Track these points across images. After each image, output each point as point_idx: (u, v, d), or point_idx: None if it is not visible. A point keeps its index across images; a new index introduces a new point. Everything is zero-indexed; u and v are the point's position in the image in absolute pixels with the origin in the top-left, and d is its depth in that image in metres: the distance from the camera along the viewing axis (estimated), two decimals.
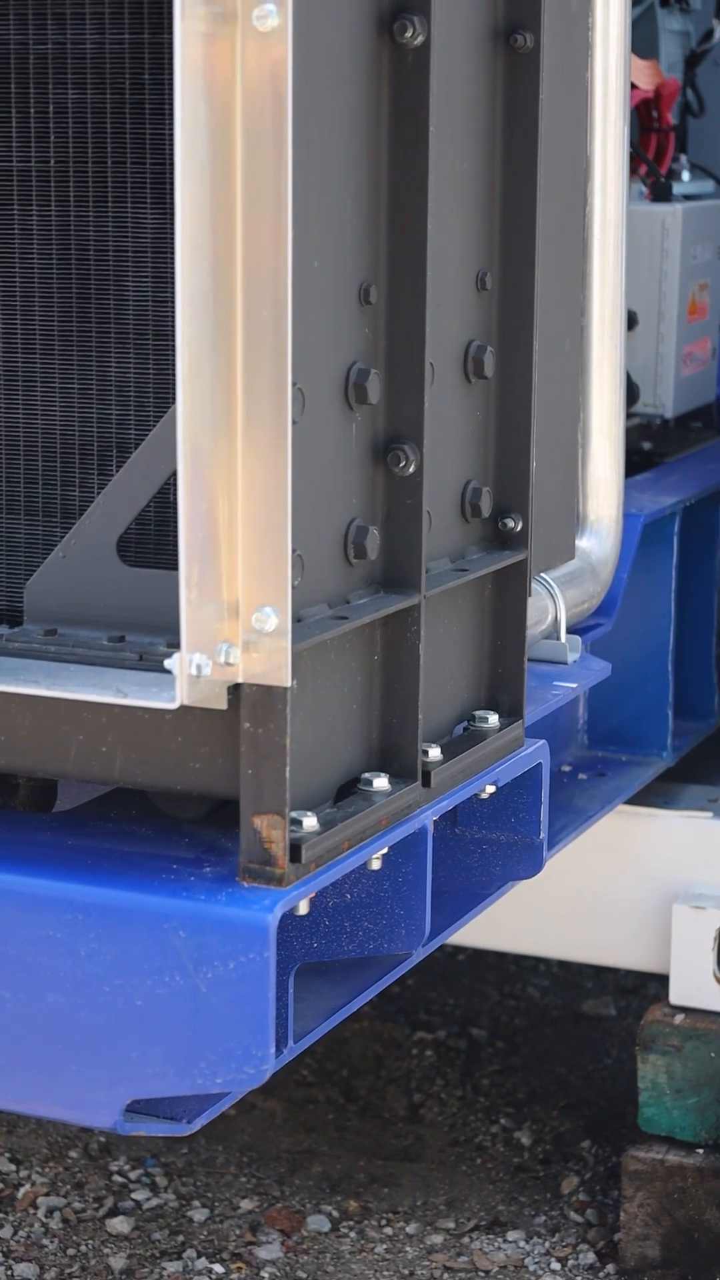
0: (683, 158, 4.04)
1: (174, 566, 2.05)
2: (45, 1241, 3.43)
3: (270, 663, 1.96)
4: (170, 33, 2.00)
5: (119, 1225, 3.47)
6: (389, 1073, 4.03)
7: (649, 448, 3.79)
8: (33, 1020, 2.05)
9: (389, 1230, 3.47)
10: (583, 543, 2.97)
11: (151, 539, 2.10)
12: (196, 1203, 3.55)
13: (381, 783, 2.18)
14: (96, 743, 2.08)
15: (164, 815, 2.23)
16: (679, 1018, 3.30)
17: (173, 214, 2.03)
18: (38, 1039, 2.06)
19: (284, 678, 1.96)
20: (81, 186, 2.07)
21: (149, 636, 2.07)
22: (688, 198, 3.83)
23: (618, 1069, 4.04)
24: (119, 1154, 3.69)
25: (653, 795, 3.41)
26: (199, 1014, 1.99)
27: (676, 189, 3.82)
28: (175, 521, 2.06)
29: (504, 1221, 3.49)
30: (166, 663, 1.92)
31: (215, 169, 1.87)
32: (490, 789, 2.43)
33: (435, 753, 2.30)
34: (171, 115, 2.01)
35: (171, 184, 2.04)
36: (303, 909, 2.10)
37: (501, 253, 2.42)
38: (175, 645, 2.03)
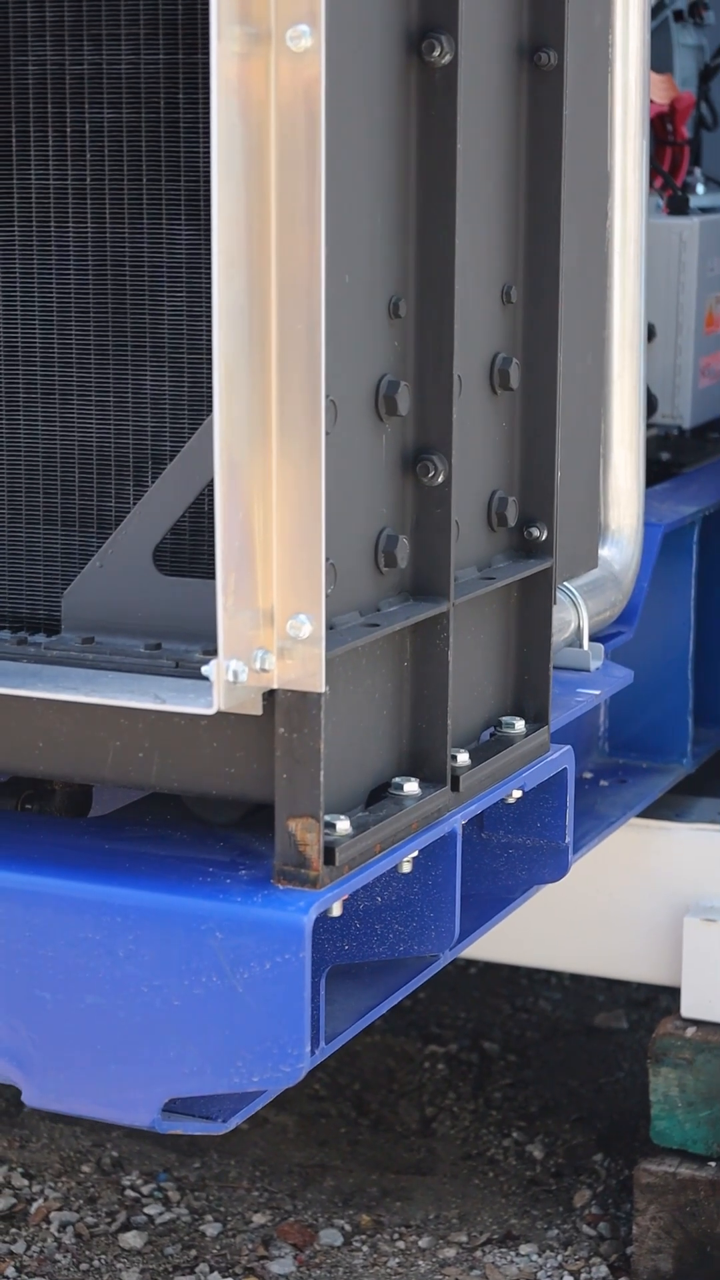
0: (697, 171, 4.08)
1: (208, 575, 2.10)
2: (58, 1257, 3.43)
3: (305, 669, 2.00)
4: (204, 53, 2.06)
5: (132, 1240, 3.46)
6: (401, 1086, 4.03)
7: (667, 458, 3.83)
8: (72, 1021, 2.09)
9: (401, 1244, 3.47)
10: (604, 552, 3.01)
11: (187, 548, 2.14)
12: (209, 1217, 3.54)
13: (412, 787, 2.22)
14: (133, 748, 2.12)
15: (198, 820, 2.27)
16: (691, 1031, 3.30)
17: (206, 230, 2.08)
18: (77, 1039, 2.10)
19: (318, 683, 2.00)
20: (117, 204, 2.12)
21: (185, 644, 2.12)
22: (704, 211, 3.87)
23: (630, 1082, 4.04)
24: (131, 1169, 3.69)
25: (664, 808, 3.42)
26: (236, 1014, 2.03)
27: (692, 202, 3.87)
28: (210, 531, 2.10)
29: (516, 1235, 3.49)
30: (204, 669, 1.96)
31: (250, 186, 1.92)
32: (517, 794, 2.47)
33: (464, 758, 2.34)
34: (206, 134, 2.06)
35: (205, 201, 2.08)
36: (336, 910, 2.13)
37: (526, 266, 2.46)
38: (211, 652, 2.07)
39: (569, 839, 2.57)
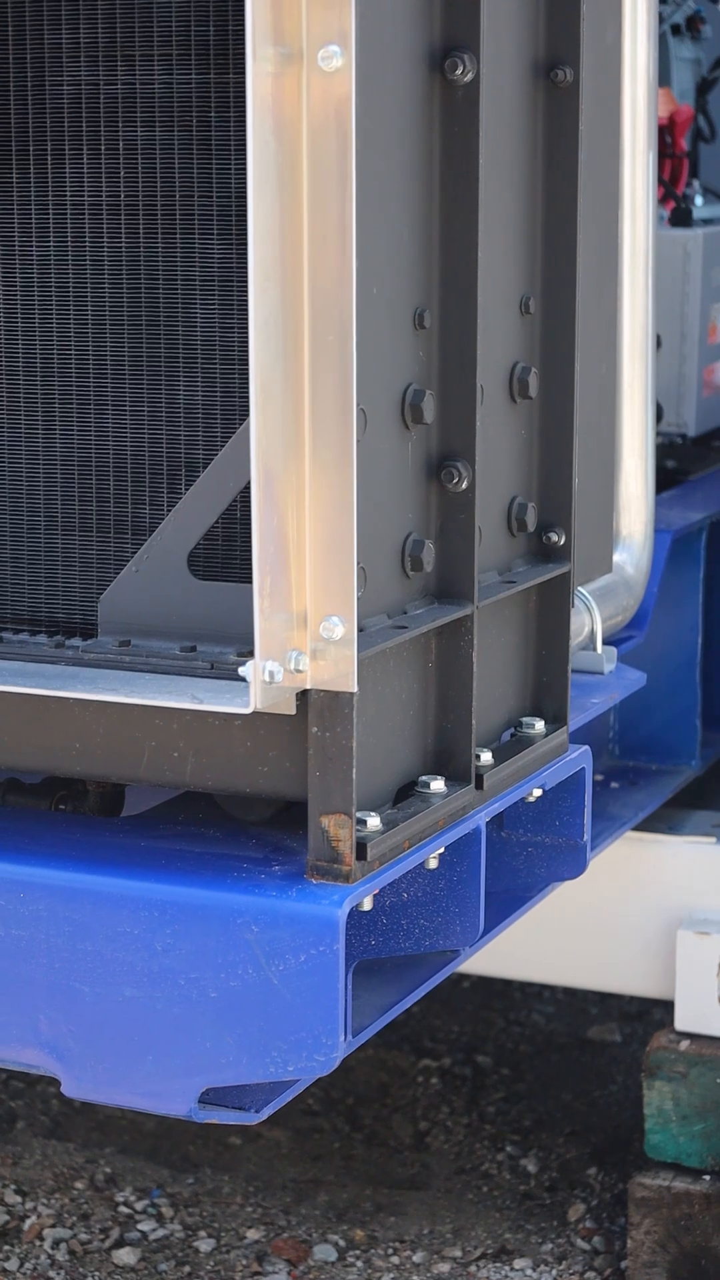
0: (695, 183, 4.15)
1: (241, 580, 2.16)
2: (52, 1274, 3.43)
3: (337, 670, 2.06)
4: (235, 73, 2.12)
5: (125, 1256, 3.46)
6: (394, 1101, 4.02)
7: (672, 466, 3.89)
8: (111, 1013, 2.15)
9: (395, 1259, 3.47)
10: (615, 557, 3.07)
11: (220, 553, 2.20)
12: (203, 1233, 3.54)
13: (438, 785, 2.29)
14: (168, 748, 2.18)
15: (230, 818, 2.33)
16: (684, 1044, 3.29)
17: (238, 245, 2.14)
18: (116, 1031, 2.15)
19: (350, 684, 2.06)
20: (151, 220, 2.18)
21: (219, 646, 2.18)
22: (705, 222, 3.93)
23: (623, 1095, 4.04)
24: (125, 1185, 3.69)
25: (658, 821, 3.43)
26: (271, 1005, 2.09)
27: (695, 214, 3.93)
28: (242, 537, 2.17)
29: (511, 1249, 3.49)
30: (240, 670, 2.02)
31: (283, 201, 1.98)
32: (537, 792, 2.53)
33: (487, 757, 2.40)
34: (237, 152, 2.13)
35: (236, 216, 2.15)
36: (367, 905, 2.19)
37: (543, 278, 2.52)
38: (245, 655, 2.14)
39: (587, 836, 2.63)
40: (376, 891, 2.17)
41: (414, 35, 2.18)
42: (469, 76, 2.23)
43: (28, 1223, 3.57)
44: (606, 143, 2.77)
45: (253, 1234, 3.54)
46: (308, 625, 2.05)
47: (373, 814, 2.16)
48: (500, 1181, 3.71)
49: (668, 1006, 3.39)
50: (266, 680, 2.02)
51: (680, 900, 3.37)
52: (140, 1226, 3.56)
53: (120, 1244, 3.51)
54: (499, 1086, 4.08)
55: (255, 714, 2.10)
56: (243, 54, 2.10)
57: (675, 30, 4.23)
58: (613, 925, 3.42)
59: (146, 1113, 2.22)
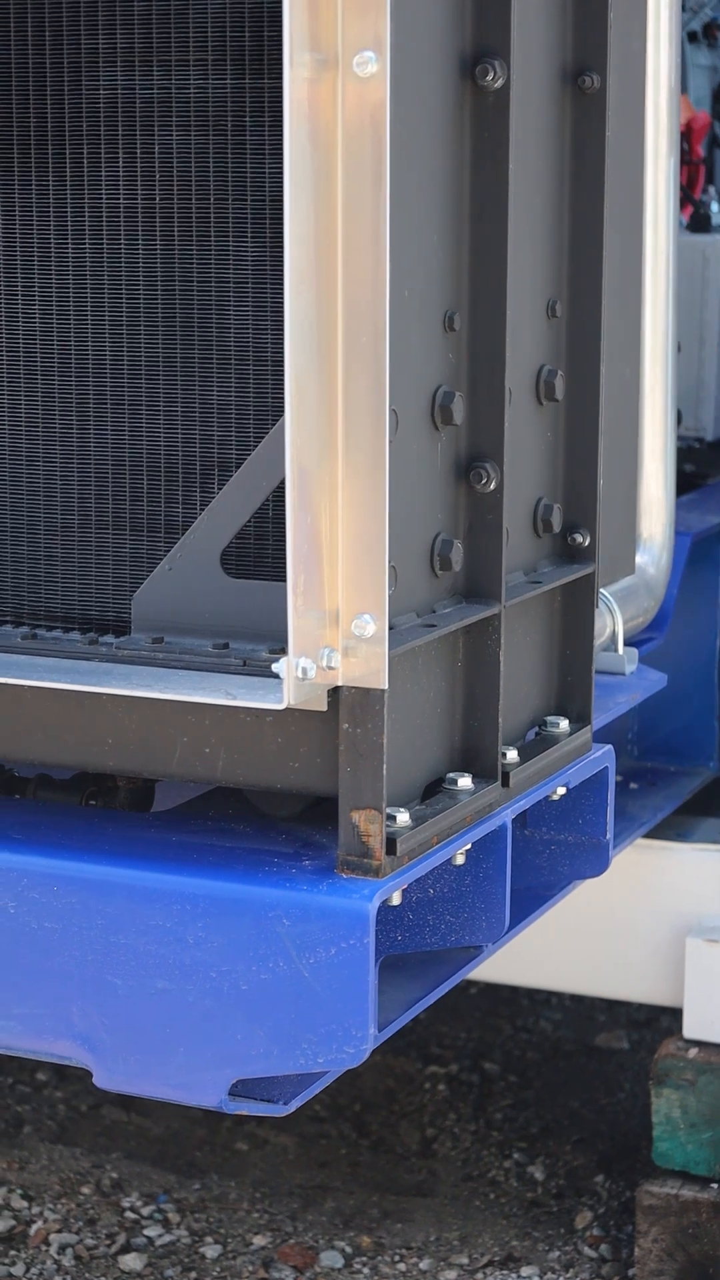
0: (711, 189, 4.18)
1: (273, 578, 2.19)
2: (58, 1278, 3.42)
3: (368, 667, 2.09)
4: (269, 78, 2.15)
5: (131, 1262, 3.45)
6: (401, 1107, 4.02)
7: (691, 470, 3.92)
8: (143, 1006, 2.18)
9: (402, 1266, 3.45)
10: (637, 559, 3.10)
11: (252, 552, 2.23)
12: (209, 1239, 3.54)
13: (465, 782, 2.31)
14: (200, 744, 2.21)
15: (259, 813, 2.36)
16: (693, 1052, 3.28)
17: (271, 247, 2.17)
18: (148, 1023, 2.18)
19: (381, 681, 2.09)
20: (185, 223, 2.21)
21: (251, 644, 2.20)
22: None
23: (631, 1103, 4.02)
24: (131, 1190, 3.68)
25: (667, 829, 3.42)
26: (302, 997, 2.12)
27: (713, 219, 3.96)
28: (274, 535, 2.20)
29: (518, 1257, 3.47)
30: (274, 666, 2.05)
31: (318, 205, 2.01)
32: (561, 790, 2.56)
33: (513, 755, 2.43)
34: (271, 155, 2.16)
35: (269, 219, 2.17)
36: (396, 899, 2.22)
37: (570, 282, 2.55)
38: (277, 652, 2.17)
39: (610, 835, 2.66)
40: (406, 886, 2.20)
41: (446, 42, 2.21)
42: (499, 82, 2.26)
43: (34, 1228, 3.57)
44: (630, 149, 2.80)
45: (259, 1240, 3.53)
46: (339, 623, 2.08)
47: (402, 810, 2.18)
48: (507, 1188, 3.71)
49: (676, 1014, 3.38)
50: (299, 677, 2.04)
51: (689, 907, 3.36)
52: (146, 1232, 3.56)
53: (126, 1249, 3.50)
54: (506, 1093, 4.08)
55: (287, 710, 2.13)
56: (277, 59, 2.13)
57: (692, 37, 4.26)
58: (621, 932, 3.41)
59: (176, 1104, 2.23)
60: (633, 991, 3.46)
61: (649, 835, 3.39)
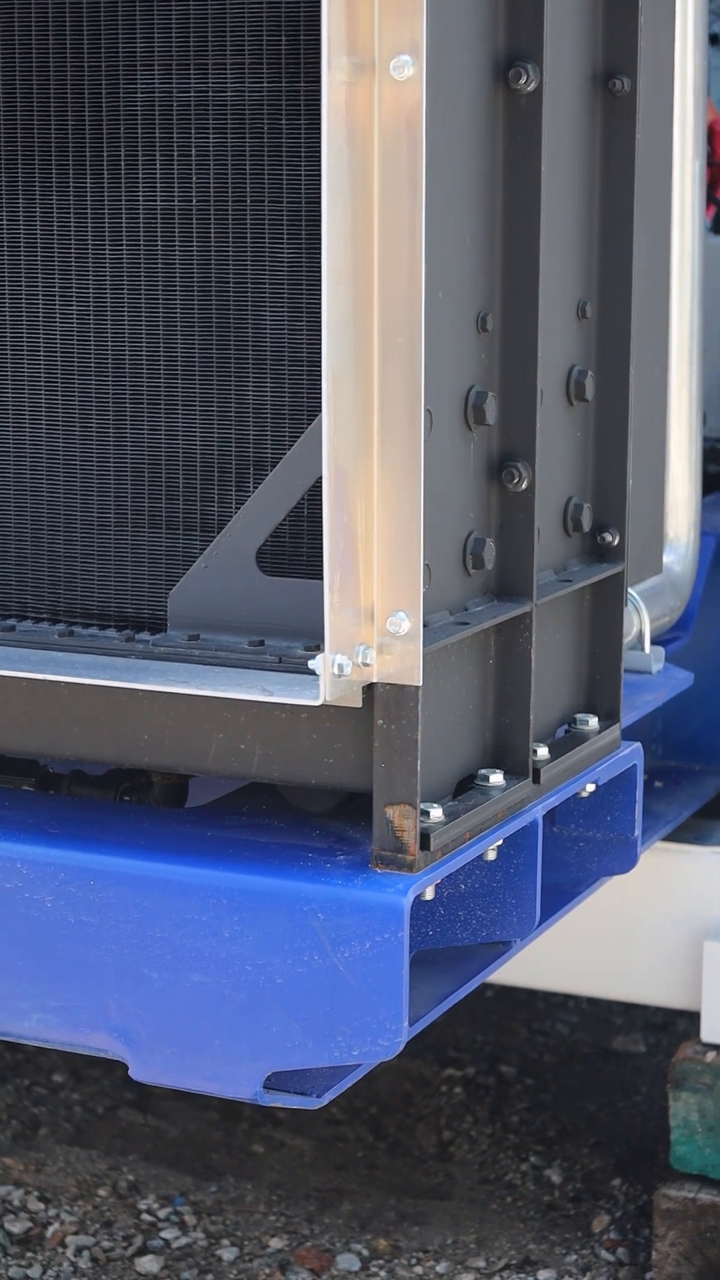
0: None
1: (307, 576, 2.21)
2: None
3: (403, 664, 2.11)
4: (305, 81, 2.17)
5: (148, 1264, 3.45)
6: (418, 1110, 4.02)
7: (715, 470, 3.94)
8: (179, 999, 2.20)
9: (419, 1269, 3.45)
10: (663, 559, 3.12)
11: (287, 550, 2.25)
12: (225, 1241, 3.53)
13: (497, 778, 2.34)
14: (235, 740, 2.24)
15: (293, 809, 2.38)
16: (710, 1055, 3.27)
17: (306, 249, 2.20)
18: (183, 1016, 2.21)
19: (416, 677, 2.11)
20: (222, 224, 2.23)
21: (286, 641, 2.23)
22: None
23: (648, 1106, 4.02)
24: (148, 1192, 3.67)
25: (685, 831, 3.41)
26: (336, 991, 2.14)
27: None
28: (309, 534, 2.22)
29: (535, 1260, 3.47)
30: (310, 663, 2.07)
31: (355, 207, 2.03)
32: (590, 787, 2.58)
33: (543, 752, 2.45)
34: (306, 157, 2.18)
35: (305, 221, 2.20)
36: (429, 894, 2.25)
37: (600, 283, 2.58)
38: (312, 649, 2.19)
39: (638, 831, 2.68)
40: (439, 881, 2.22)
41: (479, 45, 2.23)
42: (532, 86, 2.28)
43: (50, 1230, 3.57)
44: (658, 151, 2.82)
45: (276, 1243, 3.54)
46: (374, 620, 2.11)
47: (436, 805, 2.21)
48: (524, 1192, 3.70)
49: (693, 1017, 3.38)
50: (335, 673, 2.07)
51: (707, 911, 3.36)
52: (163, 1234, 3.56)
53: (143, 1252, 3.50)
54: (523, 1096, 4.07)
55: (322, 707, 2.15)
56: (312, 63, 2.16)
57: (714, 40, 4.28)
58: (638, 935, 3.41)
59: (205, 1097, 2.26)
60: (650, 995, 3.46)
61: (667, 839, 3.39)
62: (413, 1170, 3.79)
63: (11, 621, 2.36)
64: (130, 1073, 2.26)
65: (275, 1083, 2.24)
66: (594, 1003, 4.46)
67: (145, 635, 2.30)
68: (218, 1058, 2.21)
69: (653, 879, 3.38)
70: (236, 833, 2.32)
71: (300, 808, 2.38)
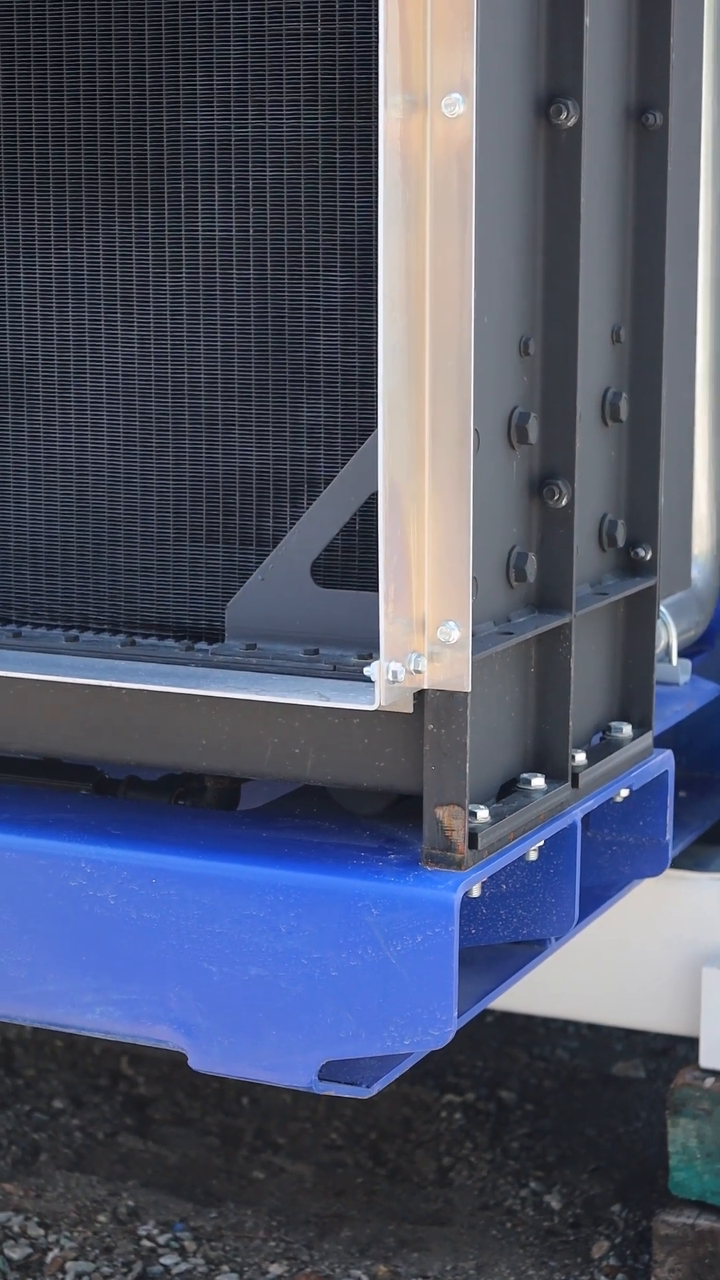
0: None
1: (361, 588, 2.32)
2: None
3: (453, 671, 2.22)
4: (359, 118, 2.28)
5: None
6: (418, 1136, 3.98)
7: None
8: (237, 991, 2.31)
9: None
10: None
11: (340, 563, 2.36)
12: (225, 1267, 3.48)
13: (539, 782, 2.44)
14: (290, 745, 2.34)
15: (343, 811, 2.49)
16: (709, 1081, 3.25)
17: (360, 277, 2.31)
18: (241, 1008, 2.31)
19: (465, 684, 2.22)
20: (278, 254, 2.35)
21: (340, 650, 2.34)
22: None
23: (648, 1132, 3.97)
24: (147, 1218, 3.64)
25: (684, 857, 3.41)
26: (389, 983, 2.24)
27: None
28: (362, 548, 2.33)
29: None
30: (366, 670, 2.18)
31: (409, 238, 2.15)
32: (625, 792, 2.69)
33: (581, 757, 2.56)
34: (360, 190, 2.29)
35: (358, 250, 2.31)
36: (475, 891, 2.35)
37: (633, 308, 2.69)
38: (365, 658, 2.30)
39: (669, 836, 2.79)
40: (485, 879, 2.33)
41: (523, 83, 2.35)
42: (572, 121, 2.39)
43: (50, 1255, 3.53)
44: (687, 180, 2.93)
45: (275, 1268, 3.49)
46: (425, 629, 2.22)
47: (482, 807, 2.31)
48: (524, 1218, 3.65)
49: (692, 1043, 3.36)
50: (390, 680, 2.18)
51: (706, 937, 3.37)
52: (163, 1260, 3.52)
53: (143, 1277, 3.46)
54: (523, 1122, 4.03)
55: (373, 712, 2.26)
56: (364, 100, 2.27)
57: None
58: (638, 961, 3.41)
59: (270, 1085, 2.34)
60: (649, 1021, 3.45)
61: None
62: (412, 1196, 3.76)
63: (75, 632, 2.47)
64: (190, 1063, 2.36)
65: (326, 1073, 2.33)
66: (594, 1028, 4.42)
67: (204, 645, 2.41)
68: (274, 1048, 2.31)
69: (652, 905, 3.38)
70: (290, 833, 2.42)
71: (350, 810, 2.49)
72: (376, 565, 2.20)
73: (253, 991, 2.30)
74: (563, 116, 2.39)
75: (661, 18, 2.64)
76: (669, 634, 3.09)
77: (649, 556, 2.74)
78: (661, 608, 3.06)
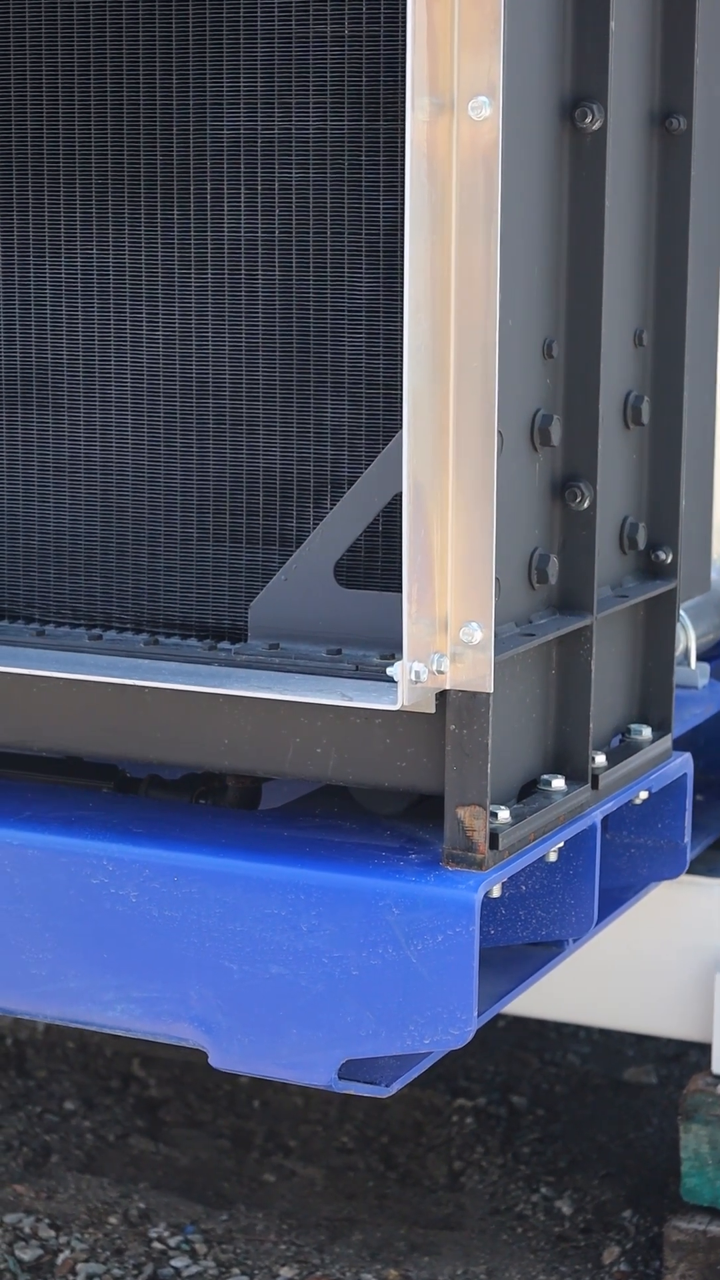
0: None
1: (382, 588, 2.33)
2: None
3: (475, 671, 2.23)
4: (385, 120, 2.29)
5: None
6: (429, 1140, 3.97)
7: None
8: (258, 989, 2.32)
9: None
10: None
11: (362, 564, 2.37)
12: (236, 1270, 3.48)
13: (559, 783, 2.45)
14: (312, 745, 2.35)
15: (364, 811, 2.50)
16: None
17: (383, 278, 2.32)
18: (262, 1006, 2.32)
19: (487, 685, 2.23)
20: (303, 255, 2.36)
21: (362, 650, 2.34)
22: None
23: (659, 1138, 3.97)
24: (159, 1220, 3.64)
25: (697, 863, 3.40)
26: (409, 982, 2.25)
27: None
28: (384, 549, 2.34)
29: None
30: (389, 670, 2.19)
31: (434, 240, 2.15)
32: (644, 794, 2.69)
33: (600, 759, 2.57)
34: (385, 191, 2.30)
35: (382, 252, 2.32)
36: (496, 891, 2.36)
37: (656, 312, 2.70)
38: (387, 658, 2.31)
39: (688, 838, 2.79)
40: (506, 879, 2.33)
41: (548, 87, 2.35)
42: (597, 125, 2.40)
43: (61, 1257, 3.52)
44: (711, 185, 2.93)
45: (286, 1272, 3.49)
46: (448, 630, 2.22)
47: (503, 808, 2.32)
48: (535, 1222, 3.64)
49: (705, 1049, 3.35)
50: (413, 680, 2.18)
51: (718, 942, 3.37)
52: (174, 1263, 3.51)
53: None
54: (534, 1127, 4.03)
55: (396, 712, 2.27)
56: (390, 102, 2.28)
57: None
58: (650, 967, 3.41)
59: (291, 1084, 2.34)
60: (661, 1026, 3.45)
61: None
62: (423, 1200, 3.76)
63: (98, 631, 2.48)
64: (210, 1060, 2.37)
65: (345, 1072, 2.34)
66: (606, 1034, 4.42)
67: (227, 644, 2.42)
68: (295, 1046, 2.32)
69: (664, 911, 3.38)
70: (311, 833, 2.43)
71: (371, 810, 2.50)
72: (399, 566, 2.21)
73: (273, 990, 2.31)
74: (588, 120, 2.40)
75: (686, 23, 2.65)
76: (688, 637, 3.10)
77: (669, 559, 2.75)
78: (681, 611, 3.07)
